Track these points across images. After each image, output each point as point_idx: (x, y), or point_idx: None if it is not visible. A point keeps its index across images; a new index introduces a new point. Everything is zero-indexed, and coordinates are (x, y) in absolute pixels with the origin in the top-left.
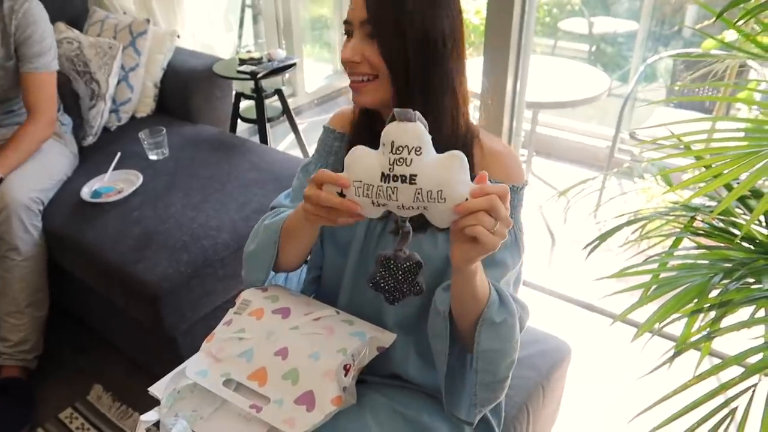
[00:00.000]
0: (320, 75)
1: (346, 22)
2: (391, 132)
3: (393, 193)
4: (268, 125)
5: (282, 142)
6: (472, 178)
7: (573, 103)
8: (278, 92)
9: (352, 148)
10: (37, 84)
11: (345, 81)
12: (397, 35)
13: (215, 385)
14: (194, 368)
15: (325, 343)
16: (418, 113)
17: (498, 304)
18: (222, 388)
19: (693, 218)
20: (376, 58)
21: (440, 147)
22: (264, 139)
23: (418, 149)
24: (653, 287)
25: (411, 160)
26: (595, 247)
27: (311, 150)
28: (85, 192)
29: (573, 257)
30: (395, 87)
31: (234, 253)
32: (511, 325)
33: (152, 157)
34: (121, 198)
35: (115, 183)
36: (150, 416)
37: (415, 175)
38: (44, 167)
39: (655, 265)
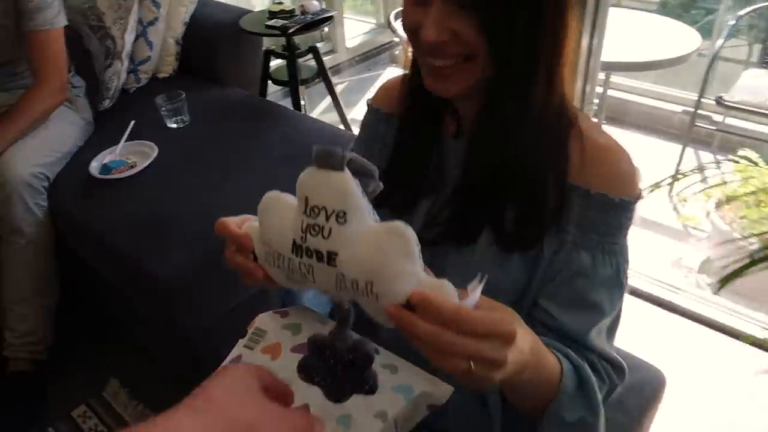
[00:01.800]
0: (362, 29)
1: None
2: (305, 183)
3: (308, 272)
4: (301, 87)
5: (318, 106)
6: (571, 188)
7: (656, 65)
8: (313, 50)
9: (267, 194)
10: (41, 44)
11: (390, 36)
12: (505, 3)
13: None
14: None
15: (359, 402)
16: (353, 155)
17: (572, 393)
18: None
19: None
20: (471, 33)
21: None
22: (296, 104)
23: (341, 215)
24: None
25: (330, 230)
26: (724, 285)
27: (350, 114)
28: (94, 167)
29: (647, 240)
30: (494, 69)
31: None
32: (590, 425)
33: (171, 125)
34: (134, 174)
35: (127, 156)
36: None
37: (335, 254)
38: (50, 138)
39: None
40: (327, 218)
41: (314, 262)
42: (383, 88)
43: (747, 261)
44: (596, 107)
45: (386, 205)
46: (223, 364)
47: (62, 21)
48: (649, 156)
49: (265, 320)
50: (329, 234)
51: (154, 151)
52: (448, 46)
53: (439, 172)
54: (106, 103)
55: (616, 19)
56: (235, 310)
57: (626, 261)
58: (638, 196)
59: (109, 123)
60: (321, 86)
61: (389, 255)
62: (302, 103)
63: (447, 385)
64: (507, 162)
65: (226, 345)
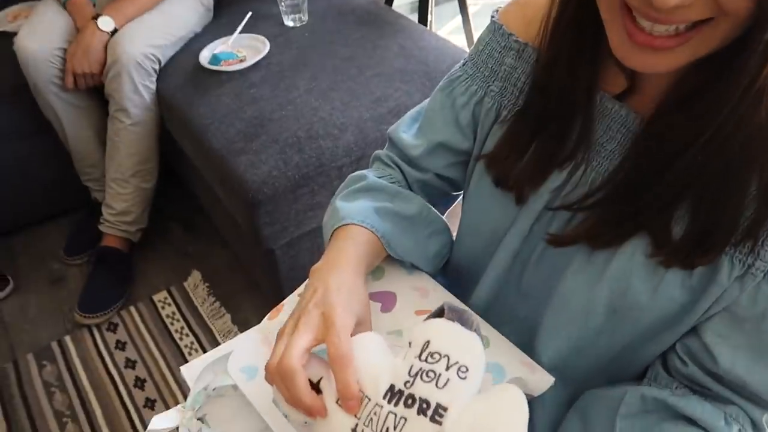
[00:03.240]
0: None
1: None
2: (430, 328)
3: (395, 427)
4: (432, 2)
5: (446, 25)
6: None
7: None
8: None
9: (358, 336)
10: None
11: None
12: None
13: (260, 397)
14: (240, 360)
15: None
16: (478, 321)
17: None
18: (269, 405)
19: None
20: None
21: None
22: (423, 18)
23: (463, 369)
24: None
25: (447, 380)
26: None
27: None
28: (204, 56)
29: None
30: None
31: (355, 162)
32: None
33: (288, 22)
34: (242, 68)
35: (238, 49)
36: (162, 421)
37: (445, 410)
38: (167, 20)
39: None
40: (447, 367)
41: (411, 413)
42: (518, 4)
43: None
44: None
45: (504, 175)
46: (289, 297)
47: None
48: None
49: None
50: (445, 384)
51: (266, 47)
52: (686, 10)
53: (585, 139)
54: None
55: None
56: (317, 230)
57: None
58: None
59: (227, 13)
60: (453, 4)
61: (505, 424)
62: (429, 18)
63: (546, 374)
64: (698, 153)
65: (308, 262)
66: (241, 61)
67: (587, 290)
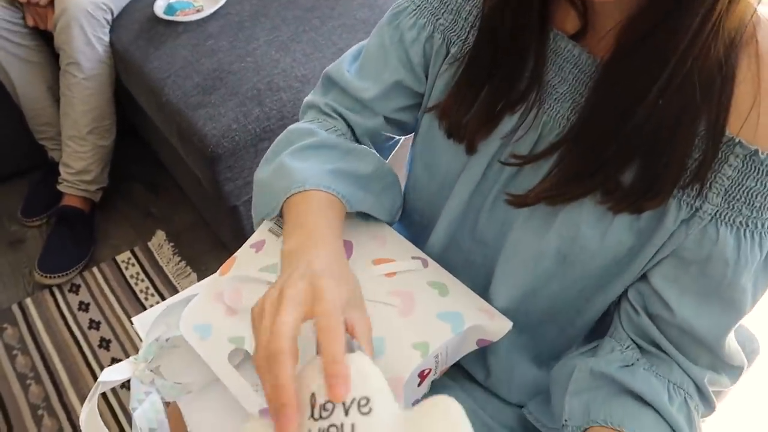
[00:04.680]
0: None
1: None
2: (304, 376)
3: None
4: None
5: None
6: (729, 143)
7: None
8: None
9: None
10: None
11: None
12: None
13: (216, 356)
14: (192, 318)
15: (397, 325)
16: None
17: None
18: (225, 364)
19: None
20: None
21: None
22: None
23: (363, 403)
24: None
25: (353, 425)
26: None
27: None
28: (159, 5)
29: None
30: None
31: None
32: None
33: None
34: (199, 19)
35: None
36: (114, 374)
37: None
38: None
39: None
40: (346, 412)
41: None
42: None
43: None
44: None
45: (456, 125)
46: (241, 249)
47: None
48: None
49: None
50: (354, 430)
51: None
52: None
53: (537, 80)
54: None
55: None
56: None
57: None
58: None
59: None
60: None
61: None
62: None
63: (505, 319)
64: (657, 96)
65: None
66: (198, 11)
67: (537, 238)
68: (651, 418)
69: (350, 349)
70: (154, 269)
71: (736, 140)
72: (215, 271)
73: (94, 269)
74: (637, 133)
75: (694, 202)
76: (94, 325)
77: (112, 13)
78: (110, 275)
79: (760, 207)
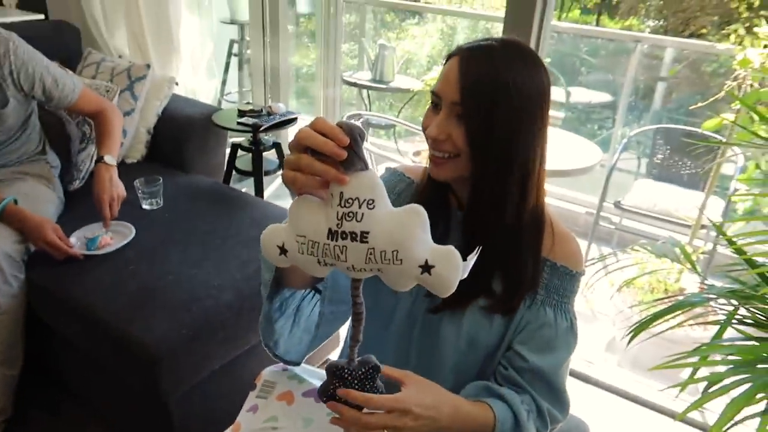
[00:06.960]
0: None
1: (434, 94)
2: (347, 183)
3: (342, 252)
4: (265, 178)
5: (272, 194)
6: (544, 261)
7: (569, 173)
8: (276, 145)
9: (297, 198)
10: (82, 103)
11: None
12: (486, 123)
13: None
14: None
15: None
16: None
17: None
18: None
19: (736, 308)
20: (461, 139)
21: (509, 232)
22: (260, 192)
23: (370, 202)
24: (720, 383)
25: (362, 215)
26: (636, 335)
27: None
28: (76, 242)
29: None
30: (474, 167)
31: (236, 315)
32: None
33: (146, 206)
34: (114, 250)
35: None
36: None
37: (367, 233)
38: (32, 212)
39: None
40: (360, 206)
41: (348, 242)
42: (410, 166)
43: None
44: None
45: None
46: (240, 415)
47: (80, 83)
48: None
49: (271, 374)
50: (362, 218)
51: (132, 231)
52: (443, 144)
53: (445, 238)
54: (76, 184)
55: None
56: (210, 377)
57: (575, 317)
58: (583, 271)
59: (79, 203)
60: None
61: (410, 228)
62: (264, 191)
63: None
64: (500, 235)
65: (200, 410)
66: (111, 238)
67: (455, 338)
68: (505, 407)
69: (363, 167)
70: None
71: (546, 259)
72: None
73: None
74: (493, 260)
75: (531, 295)
76: None
77: (28, 251)
78: None
79: (562, 295)
